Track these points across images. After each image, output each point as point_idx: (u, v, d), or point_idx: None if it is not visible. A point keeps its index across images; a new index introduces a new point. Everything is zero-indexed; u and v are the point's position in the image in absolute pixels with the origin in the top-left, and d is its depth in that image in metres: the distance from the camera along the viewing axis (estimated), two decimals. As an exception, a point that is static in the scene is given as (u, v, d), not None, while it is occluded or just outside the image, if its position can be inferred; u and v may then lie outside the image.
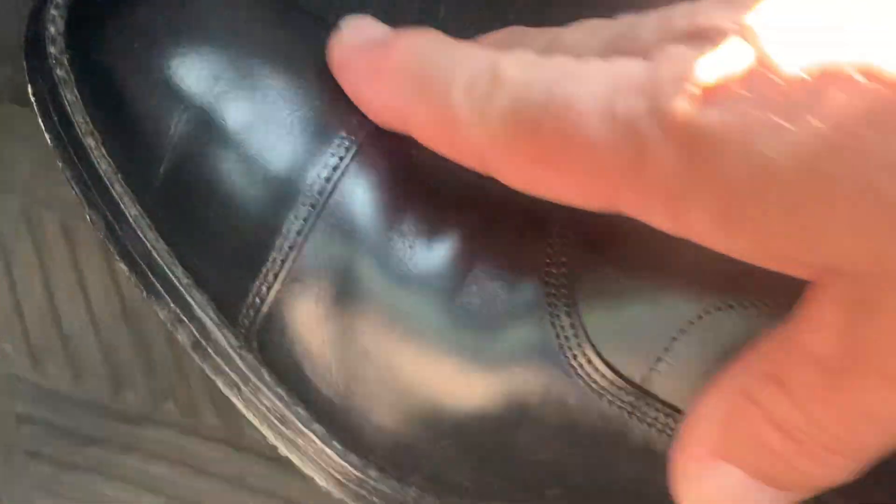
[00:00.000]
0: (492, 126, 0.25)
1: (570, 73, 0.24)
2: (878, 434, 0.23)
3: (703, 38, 0.23)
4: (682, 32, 0.23)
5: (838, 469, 0.24)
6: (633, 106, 0.23)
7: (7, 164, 0.39)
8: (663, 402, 0.27)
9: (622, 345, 0.27)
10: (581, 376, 0.27)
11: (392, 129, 0.28)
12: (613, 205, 0.24)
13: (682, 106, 0.22)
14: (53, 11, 0.29)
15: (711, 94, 0.22)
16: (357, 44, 0.29)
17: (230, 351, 0.28)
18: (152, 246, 0.28)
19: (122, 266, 0.28)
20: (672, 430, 0.27)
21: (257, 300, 0.28)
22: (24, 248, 0.39)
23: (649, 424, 0.27)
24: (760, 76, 0.21)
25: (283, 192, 0.28)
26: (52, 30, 0.29)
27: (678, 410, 0.27)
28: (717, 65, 0.22)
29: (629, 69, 0.23)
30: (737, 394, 0.25)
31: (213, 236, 0.28)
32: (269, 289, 0.28)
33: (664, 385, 0.27)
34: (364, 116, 0.29)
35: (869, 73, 0.20)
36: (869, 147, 0.20)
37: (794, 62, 0.21)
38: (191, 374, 0.39)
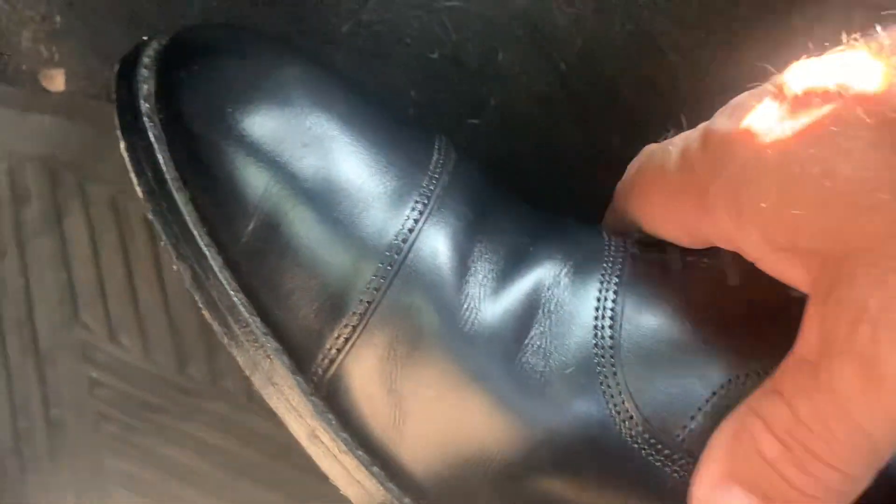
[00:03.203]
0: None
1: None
2: (858, 438, 0.25)
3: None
4: None
5: (831, 485, 0.26)
6: (694, 138, 0.29)
7: (101, 157, 0.41)
8: (695, 457, 0.29)
9: (660, 404, 0.29)
10: (622, 430, 0.29)
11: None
12: (685, 225, 0.30)
13: (716, 120, 0.28)
14: (144, 71, 0.30)
15: (732, 108, 0.28)
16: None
17: (301, 396, 0.30)
18: (235, 296, 0.30)
19: (206, 314, 0.30)
20: None
21: (333, 351, 0.29)
22: (111, 233, 0.41)
23: (681, 477, 0.29)
24: (770, 95, 0.26)
25: (364, 252, 0.29)
26: (145, 88, 0.29)
27: None
28: (753, 90, 0.27)
29: None
30: (743, 412, 0.28)
31: (293, 292, 0.29)
32: (346, 341, 0.29)
33: (696, 441, 0.29)
34: (434, 178, 0.31)
35: (842, 88, 0.24)
36: (830, 138, 0.24)
37: (795, 85, 0.26)
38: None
